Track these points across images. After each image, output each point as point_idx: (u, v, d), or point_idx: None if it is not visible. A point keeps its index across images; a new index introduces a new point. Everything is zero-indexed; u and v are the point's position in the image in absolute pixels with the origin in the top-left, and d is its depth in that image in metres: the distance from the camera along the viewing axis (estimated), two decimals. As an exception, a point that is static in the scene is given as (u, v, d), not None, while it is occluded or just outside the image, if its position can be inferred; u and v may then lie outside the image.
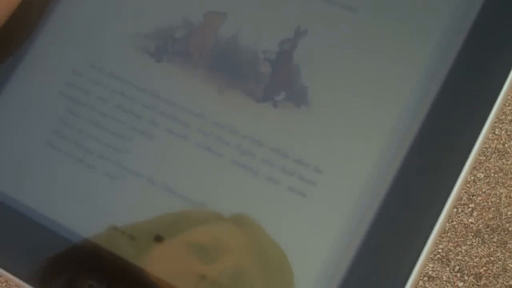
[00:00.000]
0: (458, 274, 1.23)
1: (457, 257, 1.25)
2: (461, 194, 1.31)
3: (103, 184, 0.26)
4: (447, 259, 1.24)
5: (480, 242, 1.26)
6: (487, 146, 1.35)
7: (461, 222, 1.28)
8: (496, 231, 1.26)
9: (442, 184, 0.22)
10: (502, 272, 1.22)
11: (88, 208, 0.26)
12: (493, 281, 1.21)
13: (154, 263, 0.25)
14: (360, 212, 0.23)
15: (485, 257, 1.24)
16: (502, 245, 1.25)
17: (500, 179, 1.32)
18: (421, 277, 1.23)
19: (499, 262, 1.23)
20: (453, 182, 0.22)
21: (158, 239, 0.25)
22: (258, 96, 0.25)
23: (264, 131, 0.25)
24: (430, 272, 1.23)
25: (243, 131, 0.25)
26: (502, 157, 1.34)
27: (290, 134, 0.25)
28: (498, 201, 1.30)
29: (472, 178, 1.32)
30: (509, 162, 1.34)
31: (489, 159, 1.34)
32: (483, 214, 1.29)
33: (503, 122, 1.37)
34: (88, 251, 0.25)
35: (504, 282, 1.21)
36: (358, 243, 0.23)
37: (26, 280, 0.25)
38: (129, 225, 0.25)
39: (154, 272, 0.24)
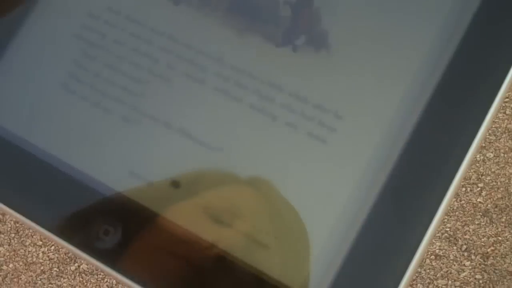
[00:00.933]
0: (465, 253, 1.22)
1: (465, 236, 1.24)
2: (470, 173, 1.30)
3: (120, 128, 0.25)
4: (455, 238, 1.24)
5: (488, 221, 1.25)
6: (497, 126, 1.34)
7: (470, 201, 1.27)
8: (505, 211, 1.26)
9: (464, 131, 0.22)
10: (509, 252, 1.22)
11: (104, 153, 0.25)
12: (500, 261, 1.21)
13: (170, 208, 0.24)
14: (380, 159, 0.23)
15: (492, 237, 1.24)
16: (510, 225, 1.24)
17: (509, 159, 1.31)
18: (428, 256, 1.23)
19: (507, 242, 1.23)
20: (477, 126, 0.22)
21: (175, 184, 0.24)
22: (277, 40, 0.25)
23: (283, 75, 0.24)
24: (437, 251, 1.23)
25: (262, 75, 0.24)
26: (513, 137, 1.34)
27: (310, 79, 0.24)
28: (507, 181, 1.29)
29: (482, 157, 1.31)
30: (519, 142, 1.33)
31: (499, 139, 1.33)
32: (492, 194, 1.28)
33: (514, 102, 1.36)
34: (104, 196, 0.25)
35: (511, 262, 1.20)
36: (377, 191, 0.22)
37: (40, 223, 0.25)
38: (145, 170, 0.25)
39: (170, 217, 0.24)
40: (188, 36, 0.25)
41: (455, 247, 1.23)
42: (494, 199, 1.28)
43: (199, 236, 0.23)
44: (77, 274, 1.26)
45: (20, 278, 1.27)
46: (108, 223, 0.24)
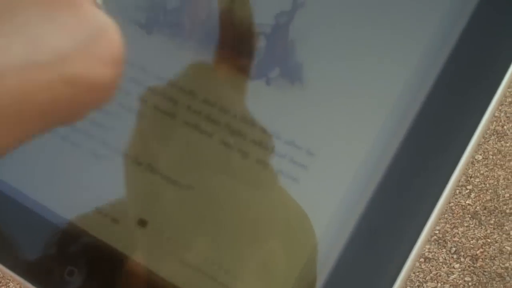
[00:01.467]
0: (455, 256, 1.22)
1: (454, 239, 1.24)
2: (459, 175, 1.30)
3: (88, 164, 0.24)
4: (444, 240, 1.24)
5: (477, 224, 1.25)
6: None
7: (459, 203, 1.27)
8: (493, 213, 1.26)
9: (438, 172, 0.21)
10: (498, 254, 1.22)
11: (70, 188, 0.24)
12: (489, 263, 1.21)
13: (136, 248, 0.23)
14: (351, 199, 0.22)
15: (481, 239, 1.24)
16: (499, 227, 1.24)
17: (498, 161, 1.31)
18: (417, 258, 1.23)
19: (496, 244, 1.23)
20: (451, 170, 0.21)
21: (142, 223, 0.23)
22: (251, 72, 0.24)
23: (255, 110, 0.23)
24: (426, 254, 1.23)
25: (233, 110, 0.24)
26: (501, 139, 1.33)
27: (282, 113, 0.23)
28: (496, 183, 1.29)
29: (471, 160, 1.31)
30: (507, 144, 1.33)
31: (488, 141, 1.33)
32: (481, 196, 1.28)
33: (503, 104, 1.36)
34: (69, 234, 0.24)
35: (500, 264, 1.20)
36: (349, 230, 0.21)
37: (3, 262, 0.24)
38: (112, 208, 0.24)
39: (136, 258, 0.23)
40: (160, 67, 0.25)
41: (444, 250, 1.23)
42: (483, 201, 1.28)
43: (166, 279, 0.23)
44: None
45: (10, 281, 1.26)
46: (72, 263, 0.23)
